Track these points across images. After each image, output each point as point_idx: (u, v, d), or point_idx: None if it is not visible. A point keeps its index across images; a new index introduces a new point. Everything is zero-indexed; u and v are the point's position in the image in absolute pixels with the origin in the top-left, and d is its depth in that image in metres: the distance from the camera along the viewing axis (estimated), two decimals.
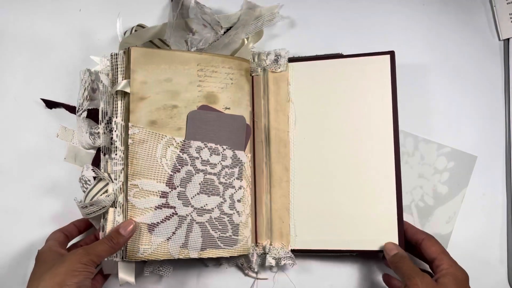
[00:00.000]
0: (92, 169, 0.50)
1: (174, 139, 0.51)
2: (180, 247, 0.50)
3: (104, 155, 0.52)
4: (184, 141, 0.51)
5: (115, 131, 0.51)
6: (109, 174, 0.51)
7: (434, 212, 0.57)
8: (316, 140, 0.55)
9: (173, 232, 0.50)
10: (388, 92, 0.54)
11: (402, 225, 0.52)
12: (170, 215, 0.50)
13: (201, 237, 0.51)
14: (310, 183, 0.55)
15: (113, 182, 0.51)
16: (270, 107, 0.56)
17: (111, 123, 0.52)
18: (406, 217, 0.56)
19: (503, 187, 0.58)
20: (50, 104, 0.59)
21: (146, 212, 0.50)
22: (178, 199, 0.51)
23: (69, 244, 0.53)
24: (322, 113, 0.56)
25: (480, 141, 0.58)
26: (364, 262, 0.56)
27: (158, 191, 0.50)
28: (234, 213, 0.52)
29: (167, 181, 0.50)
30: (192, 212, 0.51)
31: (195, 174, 0.51)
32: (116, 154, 0.50)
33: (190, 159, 0.51)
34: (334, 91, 0.55)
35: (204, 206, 0.51)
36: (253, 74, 0.57)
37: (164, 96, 0.51)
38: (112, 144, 0.51)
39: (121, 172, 0.50)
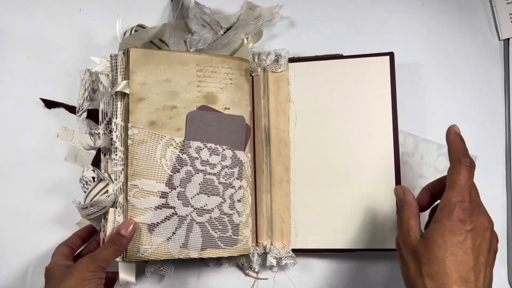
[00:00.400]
0: (92, 170, 0.51)
1: (174, 139, 0.51)
2: (180, 247, 0.50)
3: (104, 155, 0.53)
4: (183, 141, 0.51)
5: (115, 131, 0.51)
6: (109, 175, 0.51)
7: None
8: (316, 140, 0.56)
9: (173, 232, 0.50)
10: (387, 93, 0.54)
11: None
12: (170, 215, 0.50)
13: (201, 237, 0.51)
14: (310, 182, 0.55)
15: (113, 182, 0.51)
16: (271, 107, 0.57)
17: (111, 123, 0.52)
18: None
19: (503, 187, 0.58)
20: (50, 104, 0.59)
21: (146, 212, 0.50)
22: (178, 199, 0.51)
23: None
24: (322, 113, 0.56)
25: (480, 141, 0.58)
26: (364, 261, 0.57)
27: (158, 191, 0.50)
28: (234, 213, 0.52)
29: (166, 181, 0.51)
30: (192, 212, 0.51)
31: (194, 174, 0.51)
32: (116, 155, 0.51)
33: (189, 159, 0.51)
34: (334, 91, 0.56)
35: (204, 206, 0.51)
36: (253, 74, 0.57)
37: (163, 96, 0.51)
38: (112, 144, 0.51)
39: (121, 173, 0.51)
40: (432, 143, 0.58)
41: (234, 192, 0.53)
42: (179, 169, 0.51)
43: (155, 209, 0.50)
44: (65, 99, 0.59)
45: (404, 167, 0.57)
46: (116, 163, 0.51)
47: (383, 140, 0.54)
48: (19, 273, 0.57)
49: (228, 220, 0.52)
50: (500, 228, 0.57)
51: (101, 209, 0.50)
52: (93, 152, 0.57)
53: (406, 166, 0.58)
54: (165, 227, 0.50)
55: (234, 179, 0.53)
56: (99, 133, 0.53)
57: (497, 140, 0.59)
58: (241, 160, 0.53)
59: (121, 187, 0.50)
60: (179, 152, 0.51)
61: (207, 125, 0.52)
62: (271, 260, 0.54)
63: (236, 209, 0.53)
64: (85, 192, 0.51)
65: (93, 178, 0.51)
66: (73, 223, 0.56)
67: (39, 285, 0.57)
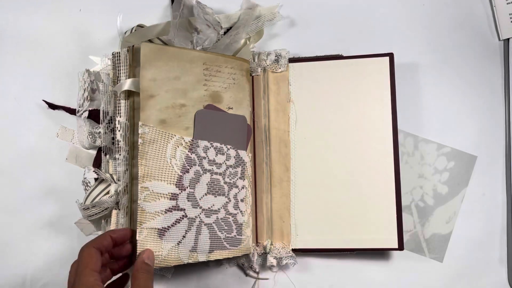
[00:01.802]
0: (94, 171, 0.51)
1: (183, 138, 0.50)
2: (189, 251, 0.49)
3: (105, 155, 0.53)
4: (192, 140, 0.51)
5: (119, 130, 0.51)
6: (111, 175, 0.51)
7: (434, 212, 0.58)
8: (316, 140, 0.56)
9: (183, 236, 0.49)
10: (387, 93, 0.55)
11: (401, 224, 0.53)
12: (180, 217, 0.49)
13: (209, 238, 0.50)
14: (310, 183, 0.56)
15: (116, 183, 0.51)
16: (271, 107, 0.57)
17: (111, 123, 0.52)
18: (406, 217, 0.57)
19: (503, 187, 0.58)
20: (53, 106, 0.59)
21: (156, 216, 0.48)
22: (188, 200, 0.50)
23: None
24: (322, 113, 0.57)
25: (480, 141, 0.59)
26: (364, 260, 0.57)
27: (168, 193, 0.49)
28: (238, 212, 0.53)
29: (176, 182, 0.49)
30: (200, 213, 0.50)
31: (202, 174, 0.51)
32: (120, 155, 0.50)
33: (198, 159, 0.51)
34: (334, 92, 0.56)
35: (211, 206, 0.51)
36: (253, 74, 0.58)
37: (173, 94, 0.50)
38: (113, 144, 0.51)
39: (125, 173, 0.50)
40: (432, 143, 0.59)
41: (238, 192, 0.53)
42: (188, 169, 0.50)
43: (166, 212, 0.48)
44: (64, 98, 0.60)
45: (404, 167, 0.58)
46: (120, 163, 0.51)
47: (383, 140, 0.55)
48: (19, 273, 0.58)
49: (233, 220, 0.52)
50: (500, 228, 0.58)
51: (103, 210, 0.50)
52: (94, 152, 0.57)
53: (406, 166, 0.58)
54: (175, 231, 0.49)
55: (237, 179, 0.53)
56: (99, 132, 0.54)
57: (497, 140, 0.59)
58: (244, 160, 0.54)
59: (125, 188, 0.50)
60: (188, 151, 0.50)
61: (214, 124, 0.52)
62: (271, 260, 0.54)
63: (239, 209, 0.53)
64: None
65: (95, 179, 0.51)
66: (72, 224, 0.57)
67: (39, 285, 0.57)
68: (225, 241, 0.51)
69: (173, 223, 0.49)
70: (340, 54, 0.59)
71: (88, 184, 0.52)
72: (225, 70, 0.54)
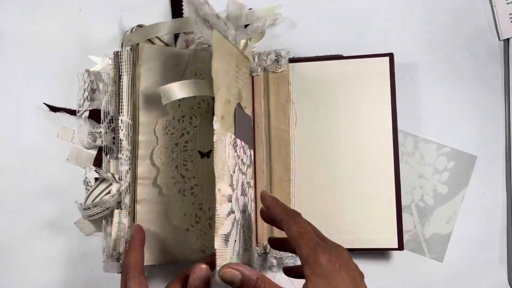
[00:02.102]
0: (95, 170, 0.51)
1: (232, 136, 0.47)
2: (236, 256, 0.45)
3: (106, 154, 0.53)
4: (235, 139, 0.48)
5: (122, 130, 0.50)
6: (112, 174, 0.51)
7: (434, 212, 0.58)
8: (316, 140, 0.57)
9: (235, 240, 0.45)
10: (387, 93, 0.55)
11: (401, 224, 0.54)
12: (234, 220, 0.46)
13: (243, 240, 0.48)
14: (310, 183, 0.56)
15: (117, 182, 0.51)
16: (271, 107, 0.57)
17: (112, 122, 0.52)
18: (406, 217, 0.57)
19: (503, 187, 0.59)
20: (54, 108, 0.60)
21: (224, 220, 0.43)
22: (235, 202, 0.47)
23: None
24: (322, 113, 0.57)
25: (480, 141, 0.59)
26: (364, 260, 0.57)
27: (228, 194, 0.45)
28: (252, 212, 0.53)
29: (230, 183, 0.46)
30: (239, 215, 0.48)
31: (239, 174, 0.49)
32: (122, 154, 0.50)
33: (238, 158, 0.49)
34: (334, 92, 0.57)
35: (243, 207, 0.49)
36: (253, 74, 0.58)
37: (226, 89, 0.47)
38: (114, 143, 0.51)
39: (127, 173, 0.50)
40: (432, 143, 0.59)
41: (251, 192, 0.53)
42: (234, 169, 0.48)
43: (227, 216, 0.44)
44: (64, 98, 0.60)
45: (404, 167, 0.58)
46: (122, 163, 0.50)
47: (383, 140, 0.55)
48: (19, 274, 0.58)
49: (249, 221, 0.51)
50: (500, 228, 0.58)
51: (104, 210, 0.50)
52: (94, 152, 0.58)
53: (406, 166, 0.59)
54: (233, 235, 0.45)
55: (250, 178, 0.53)
56: (100, 132, 0.54)
57: (497, 140, 0.59)
58: (252, 159, 0.54)
59: (127, 187, 0.50)
60: (234, 150, 0.48)
61: (242, 123, 0.51)
62: (271, 260, 0.55)
63: (252, 208, 0.53)
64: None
65: (96, 178, 0.52)
66: (72, 224, 0.57)
67: (39, 285, 0.57)
68: (247, 242, 0.50)
69: (231, 227, 0.45)
70: (340, 54, 0.59)
71: (89, 183, 0.52)
72: (242, 69, 0.53)
